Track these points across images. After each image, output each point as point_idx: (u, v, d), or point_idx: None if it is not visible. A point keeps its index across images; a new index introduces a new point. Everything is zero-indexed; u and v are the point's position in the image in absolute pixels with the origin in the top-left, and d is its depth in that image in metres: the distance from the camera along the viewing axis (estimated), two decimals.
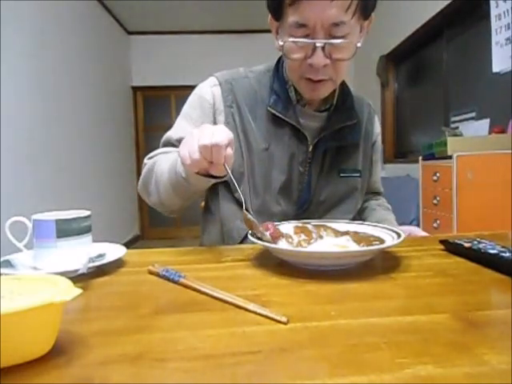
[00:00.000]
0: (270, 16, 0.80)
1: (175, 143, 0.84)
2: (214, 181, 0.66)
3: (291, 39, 0.73)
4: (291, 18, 0.72)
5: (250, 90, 0.87)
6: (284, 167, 0.84)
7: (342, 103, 0.88)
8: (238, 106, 0.85)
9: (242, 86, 0.87)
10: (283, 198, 0.84)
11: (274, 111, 0.83)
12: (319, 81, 0.77)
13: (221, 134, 0.58)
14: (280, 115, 0.83)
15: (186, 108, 0.89)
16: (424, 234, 0.84)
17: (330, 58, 0.73)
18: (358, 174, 0.91)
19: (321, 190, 0.87)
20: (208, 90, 0.87)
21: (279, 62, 0.89)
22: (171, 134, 0.86)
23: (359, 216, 0.98)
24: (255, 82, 0.88)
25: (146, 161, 0.86)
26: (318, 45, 0.71)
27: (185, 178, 0.67)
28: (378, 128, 1.00)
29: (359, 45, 0.74)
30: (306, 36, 0.72)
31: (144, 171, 0.83)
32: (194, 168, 0.61)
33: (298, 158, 0.85)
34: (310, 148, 0.85)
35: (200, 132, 0.59)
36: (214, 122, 0.85)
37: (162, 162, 0.77)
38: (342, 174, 0.88)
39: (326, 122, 0.86)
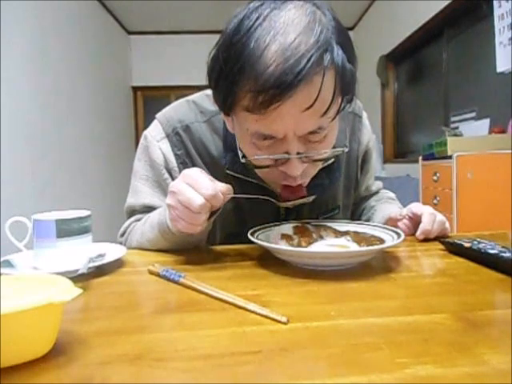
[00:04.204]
0: (212, 95, 0.62)
1: (142, 210, 0.77)
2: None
3: (256, 156, 0.59)
4: (252, 125, 0.56)
5: (204, 141, 0.74)
6: (255, 222, 0.71)
7: None
8: (193, 161, 0.74)
9: (193, 137, 0.74)
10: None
11: (232, 173, 0.71)
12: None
13: (204, 189, 0.54)
14: (241, 176, 0.70)
15: (138, 167, 0.78)
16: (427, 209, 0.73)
17: (309, 159, 0.60)
18: (336, 211, 0.84)
19: None
20: (155, 150, 0.74)
21: None
22: (132, 202, 0.78)
23: (360, 219, 0.93)
24: (207, 130, 0.74)
25: (119, 239, 0.79)
26: (292, 156, 0.57)
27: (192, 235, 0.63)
28: (366, 135, 0.87)
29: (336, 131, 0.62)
30: (275, 142, 0.58)
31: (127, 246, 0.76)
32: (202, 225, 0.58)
33: (271, 213, 0.76)
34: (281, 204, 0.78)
35: (184, 199, 0.54)
36: (173, 179, 0.73)
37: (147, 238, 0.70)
38: (320, 217, 0.80)
39: None
